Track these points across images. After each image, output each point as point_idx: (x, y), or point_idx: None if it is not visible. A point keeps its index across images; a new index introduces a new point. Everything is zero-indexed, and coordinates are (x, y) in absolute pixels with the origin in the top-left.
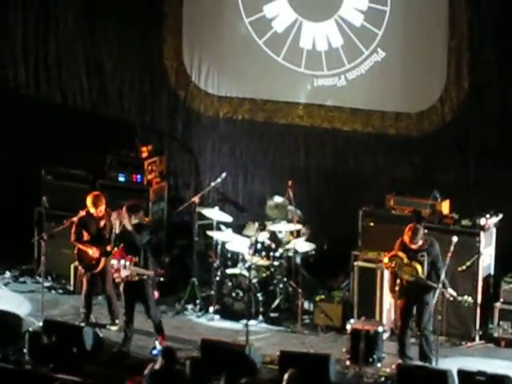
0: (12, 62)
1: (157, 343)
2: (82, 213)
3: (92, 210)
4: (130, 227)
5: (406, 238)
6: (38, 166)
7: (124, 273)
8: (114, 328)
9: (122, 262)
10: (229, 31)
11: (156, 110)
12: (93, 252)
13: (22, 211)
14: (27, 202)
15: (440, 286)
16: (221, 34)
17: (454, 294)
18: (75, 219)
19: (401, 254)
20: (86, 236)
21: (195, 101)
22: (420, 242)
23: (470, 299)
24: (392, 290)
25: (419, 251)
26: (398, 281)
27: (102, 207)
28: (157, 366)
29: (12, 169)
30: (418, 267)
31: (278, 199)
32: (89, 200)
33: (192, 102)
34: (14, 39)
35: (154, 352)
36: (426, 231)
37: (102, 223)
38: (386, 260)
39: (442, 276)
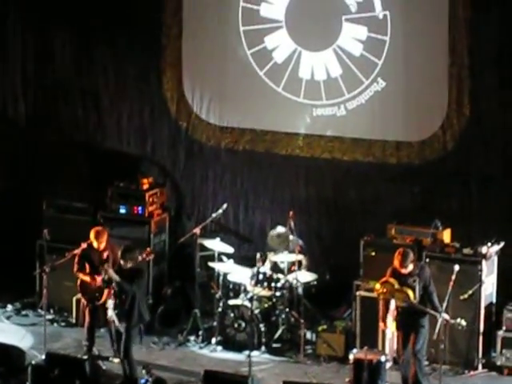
0: (12, 95)
1: (143, 372)
2: (84, 245)
3: (94, 244)
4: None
5: (396, 263)
6: (39, 199)
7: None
8: (116, 360)
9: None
10: (230, 62)
11: (157, 141)
12: (97, 281)
13: (24, 244)
14: (29, 234)
15: (443, 314)
16: (222, 65)
17: (447, 317)
18: (78, 251)
19: (392, 280)
20: (88, 268)
21: (197, 131)
22: (411, 267)
23: (463, 322)
24: (383, 320)
25: (410, 276)
26: (394, 311)
27: (104, 241)
28: None
29: (13, 202)
30: (410, 292)
31: (280, 229)
32: (91, 234)
33: (194, 132)
34: (14, 73)
35: (142, 381)
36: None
37: (105, 255)
38: (377, 286)
39: (435, 300)
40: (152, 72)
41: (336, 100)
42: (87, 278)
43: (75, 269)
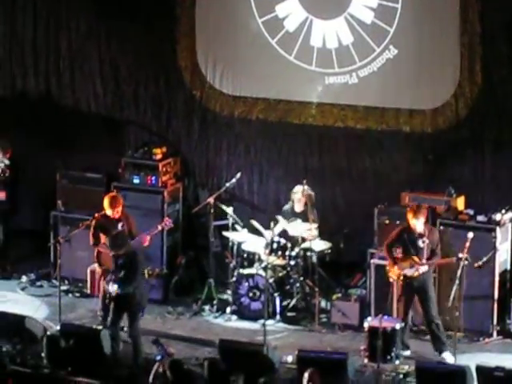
0: (21, 68)
1: (158, 348)
2: (98, 216)
3: (109, 212)
4: None
5: (410, 215)
6: (53, 170)
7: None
8: None
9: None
10: (242, 32)
11: (172, 110)
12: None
13: (38, 215)
14: (43, 206)
15: (457, 281)
16: (234, 34)
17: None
18: (92, 223)
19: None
20: (103, 239)
21: (211, 101)
22: (421, 223)
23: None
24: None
25: (420, 237)
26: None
27: (119, 208)
28: (160, 370)
29: (28, 173)
30: (414, 258)
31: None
32: (105, 201)
33: (208, 101)
34: (23, 44)
35: (158, 358)
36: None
37: (120, 225)
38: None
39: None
40: (167, 42)
41: (348, 68)
42: (104, 249)
43: (91, 242)
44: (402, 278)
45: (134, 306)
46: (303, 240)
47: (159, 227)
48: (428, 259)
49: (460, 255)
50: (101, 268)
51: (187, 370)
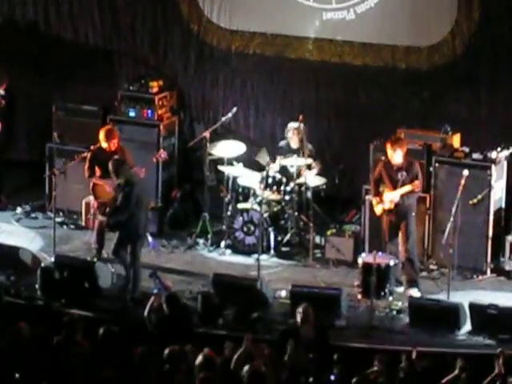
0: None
1: (155, 281)
2: (94, 149)
3: (104, 145)
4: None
5: (388, 147)
6: (49, 102)
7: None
8: None
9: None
10: None
11: (168, 44)
12: (109, 185)
13: (34, 147)
14: (39, 138)
15: (451, 219)
16: None
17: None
18: (87, 155)
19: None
20: (98, 172)
21: (208, 35)
22: (399, 157)
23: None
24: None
25: (399, 170)
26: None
27: (115, 141)
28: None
29: (25, 105)
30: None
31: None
32: (101, 134)
33: (205, 35)
34: None
35: (155, 291)
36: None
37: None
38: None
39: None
40: None
41: (345, 4)
42: (99, 182)
43: (86, 174)
44: (385, 211)
45: (129, 234)
46: (298, 176)
47: (154, 159)
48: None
49: (416, 182)
50: (96, 201)
51: (183, 304)
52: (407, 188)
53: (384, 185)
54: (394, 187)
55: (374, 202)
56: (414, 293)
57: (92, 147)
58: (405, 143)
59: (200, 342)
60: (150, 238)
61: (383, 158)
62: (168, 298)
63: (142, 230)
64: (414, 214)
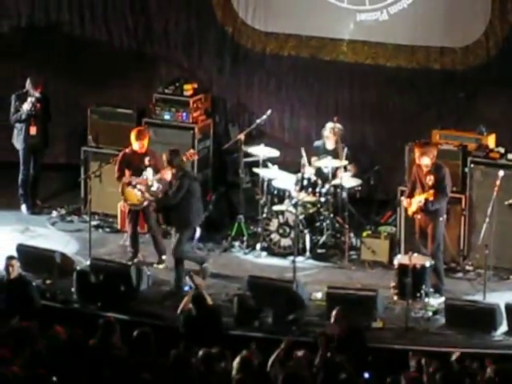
0: (56, 1)
1: (187, 279)
2: (126, 150)
3: (135, 146)
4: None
5: (417, 153)
6: (84, 105)
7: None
8: (161, 266)
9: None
10: None
11: (203, 46)
12: (141, 185)
13: (70, 150)
14: (74, 141)
15: (487, 219)
16: None
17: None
18: (119, 156)
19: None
20: (128, 174)
21: (242, 37)
22: (427, 160)
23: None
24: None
25: (428, 174)
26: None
27: (145, 141)
28: (186, 307)
29: (60, 108)
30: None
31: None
32: (132, 135)
33: (239, 38)
34: None
35: (186, 288)
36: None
37: (147, 160)
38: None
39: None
40: None
41: (379, 5)
42: (130, 180)
43: (116, 175)
44: (413, 214)
45: (177, 222)
46: (334, 177)
47: (184, 159)
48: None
49: (431, 191)
50: (126, 203)
51: (213, 304)
52: (421, 197)
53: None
54: (423, 190)
55: (405, 203)
56: (436, 299)
57: (125, 150)
58: (432, 147)
59: (236, 344)
60: (198, 232)
61: None
62: (194, 298)
63: (192, 221)
64: (441, 218)
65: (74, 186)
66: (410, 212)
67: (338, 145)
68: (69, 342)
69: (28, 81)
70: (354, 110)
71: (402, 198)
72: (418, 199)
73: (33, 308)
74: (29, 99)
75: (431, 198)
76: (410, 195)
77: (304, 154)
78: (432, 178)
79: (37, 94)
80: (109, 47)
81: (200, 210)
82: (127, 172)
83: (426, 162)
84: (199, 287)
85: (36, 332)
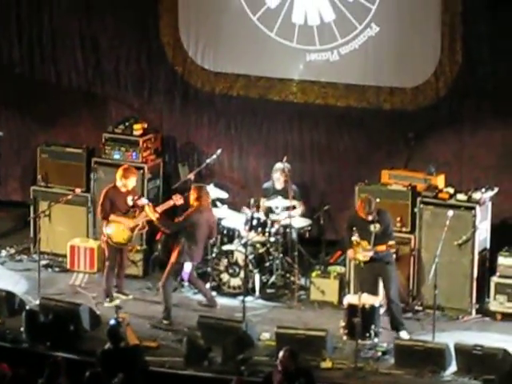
0: (7, 40)
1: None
2: (109, 187)
3: (119, 183)
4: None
5: (361, 211)
6: (34, 144)
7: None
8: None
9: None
10: (224, 8)
11: (153, 85)
12: (129, 221)
13: (18, 189)
14: (24, 180)
15: (436, 259)
16: (216, 10)
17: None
18: (102, 196)
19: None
20: (114, 216)
21: (192, 76)
22: (370, 216)
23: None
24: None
25: (371, 222)
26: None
27: (130, 180)
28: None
29: (9, 147)
30: (363, 243)
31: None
32: (118, 172)
33: (189, 77)
34: (8, 18)
35: (111, 322)
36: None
37: (129, 200)
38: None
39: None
40: (149, 17)
41: (329, 45)
42: (121, 219)
43: (100, 215)
44: (361, 262)
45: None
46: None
47: (171, 202)
48: (380, 243)
49: (390, 242)
50: (111, 241)
51: (128, 342)
52: (382, 248)
53: (356, 234)
54: (367, 239)
55: (350, 254)
56: (404, 335)
57: (107, 188)
58: (374, 203)
59: None
60: (187, 269)
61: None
62: (110, 333)
63: (181, 258)
64: (392, 263)
65: (25, 225)
66: (359, 261)
67: (287, 184)
68: (14, 380)
69: None
70: (304, 149)
71: (348, 253)
72: (368, 251)
73: None
74: None
75: (392, 250)
76: (351, 245)
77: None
78: (377, 225)
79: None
80: (59, 86)
81: (195, 251)
82: (113, 215)
83: (369, 218)
84: (123, 323)
85: None
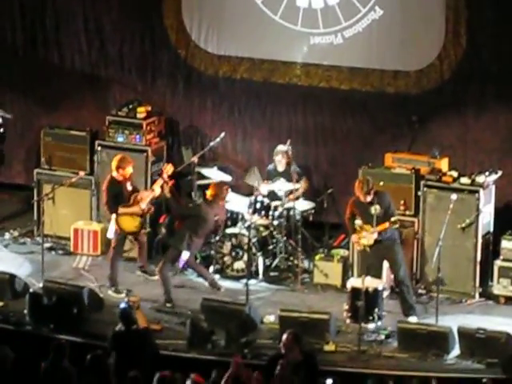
0: (11, 22)
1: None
2: (108, 179)
3: (114, 174)
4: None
5: (359, 192)
6: (38, 127)
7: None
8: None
9: None
10: None
11: (157, 69)
12: (137, 209)
13: (22, 172)
14: (28, 163)
15: (440, 243)
16: None
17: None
18: (104, 191)
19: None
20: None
21: (195, 60)
22: (372, 195)
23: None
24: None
25: (371, 205)
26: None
27: (127, 170)
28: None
29: (13, 130)
30: (367, 227)
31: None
32: (113, 163)
33: (192, 60)
34: (12, 0)
35: (122, 305)
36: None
37: (129, 185)
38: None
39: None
40: (152, 1)
41: (333, 28)
42: (129, 210)
43: (109, 210)
44: (366, 247)
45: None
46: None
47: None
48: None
49: (392, 219)
50: (123, 231)
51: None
52: (384, 226)
53: (358, 220)
54: (370, 223)
55: (354, 239)
56: (414, 320)
57: (105, 182)
58: (371, 183)
59: (189, 367)
60: (184, 257)
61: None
62: (121, 314)
63: (181, 245)
64: (398, 242)
65: (28, 208)
66: (364, 246)
67: (289, 167)
68: (18, 363)
69: None
70: (308, 132)
71: (352, 240)
72: (372, 233)
73: None
74: None
75: (396, 225)
76: (354, 231)
77: (257, 173)
78: (377, 207)
79: (8, 116)
80: (62, 69)
81: (195, 242)
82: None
83: (368, 199)
84: (133, 306)
85: None
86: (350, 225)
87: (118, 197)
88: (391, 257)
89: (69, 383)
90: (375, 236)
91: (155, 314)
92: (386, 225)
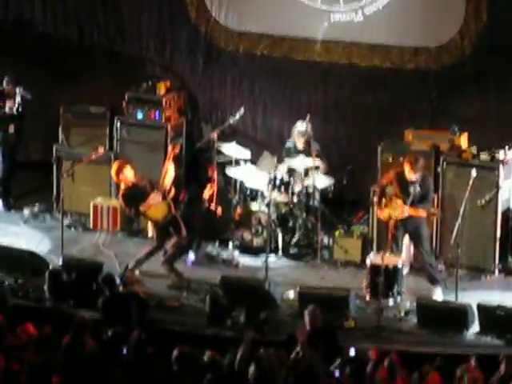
0: (29, 2)
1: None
2: (121, 188)
3: (116, 179)
4: None
5: (408, 167)
6: (57, 104)
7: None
8: None
9: None
10: None
11: (176, 45)
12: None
13: (42, 149)
14: (48, 139)
15: (459, 219)
16: None
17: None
18: (120, 199)
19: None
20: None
21: (215, 36)
22: (416, 177)
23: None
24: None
25: (412, 183)
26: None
27: (126, 172)
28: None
29: (33, 106)
30: (398, 201)
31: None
32: (112, 172)
33: (212, 37)
34: None
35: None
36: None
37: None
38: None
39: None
40: None
41: (353, 5)
42: (151, 203)
43: (136, 216)
44: (391, 218)
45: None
46: (306, 175)
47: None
48: (415, 206)
49: (432, 210)
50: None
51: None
52: (422, 212)
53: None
54: (405, 199)
55: (379, 213)
56: (438, 292)
57: (121, 190)
58: (423, 165)
59: (208, 343)
60: (190, 257)
61: (390, 159)
62: (104, 279)
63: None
64: (425, 220)
65: (48, 185)
66: (385, 215)
67: (308, 144)
68: (39, 339)
69: (6, 79)
70: (328, 109)
71: (378, 208)
72: (404, 211)
73: (3, 306)
74: (17, 99)
75: (435, 216)
76: (380, 203)
77: (269, 157)
78: (418, 187)
79: (28, 96)
80: (81, 46)
81: (201, 244)
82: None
83: (413, 178)
84: (128, 281)
85: (5, 328)
86: (381, 191)
87: (135, 199)
88: (417, 236)
89: (91, 359)
90: (406, 214)
91: (173, 293)
92: (424, 213)
